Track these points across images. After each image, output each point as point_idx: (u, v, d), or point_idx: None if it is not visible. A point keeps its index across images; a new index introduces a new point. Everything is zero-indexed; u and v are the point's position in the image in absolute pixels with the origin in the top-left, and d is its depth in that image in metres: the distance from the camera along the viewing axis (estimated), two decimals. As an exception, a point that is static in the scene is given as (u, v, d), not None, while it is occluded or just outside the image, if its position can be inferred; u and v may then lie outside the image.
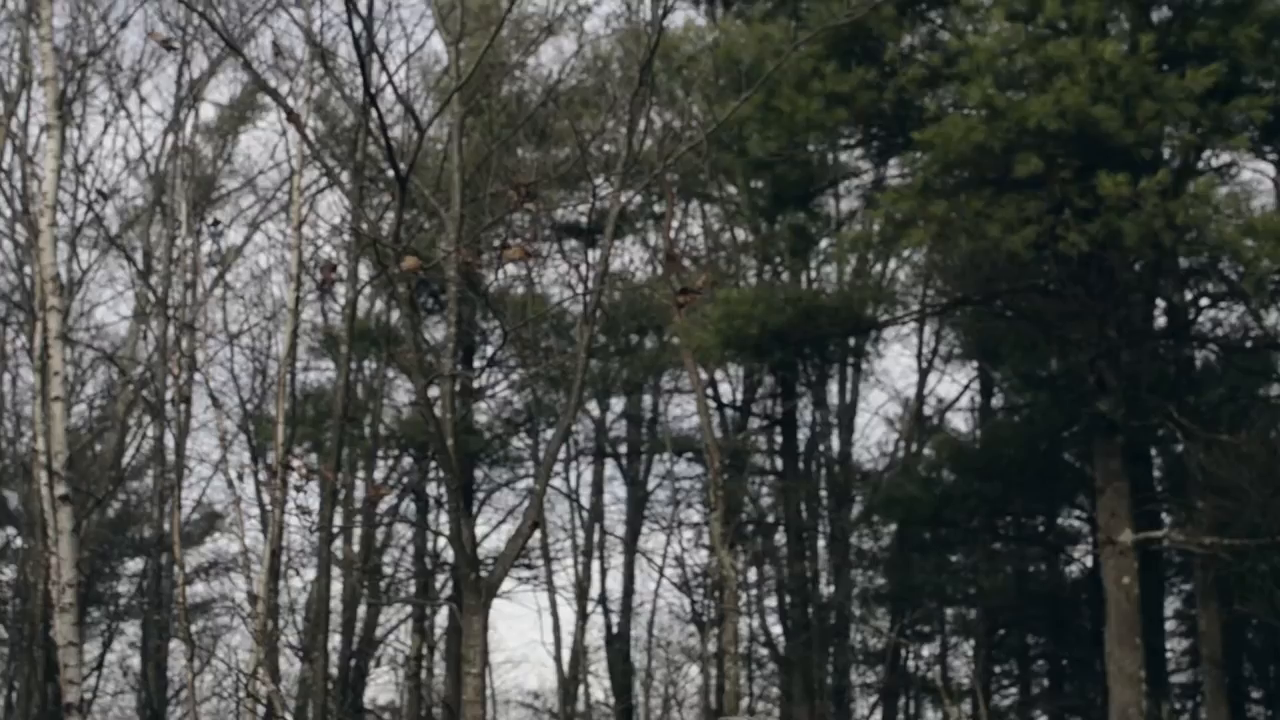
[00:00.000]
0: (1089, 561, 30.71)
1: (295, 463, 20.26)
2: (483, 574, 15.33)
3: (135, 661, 34.06)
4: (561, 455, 31.42)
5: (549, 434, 30.57)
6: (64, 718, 16.17)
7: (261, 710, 21.90)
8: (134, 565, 34.09)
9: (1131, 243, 20.59)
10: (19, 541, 30.67)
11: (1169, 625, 30.94)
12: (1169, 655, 30.85)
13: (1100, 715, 24.58)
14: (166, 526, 28.20)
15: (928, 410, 34.10)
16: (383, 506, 31.70)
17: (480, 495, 32.57)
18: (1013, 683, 33.91)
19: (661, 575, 33.81)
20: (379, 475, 31.80)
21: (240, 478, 28.37)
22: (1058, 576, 32.52)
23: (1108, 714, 22.67)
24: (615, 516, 34.42)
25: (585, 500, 33.96)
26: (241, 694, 21.57)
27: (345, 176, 25.19)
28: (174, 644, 30.91)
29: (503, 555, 16.37)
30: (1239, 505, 22.62)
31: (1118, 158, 20.55)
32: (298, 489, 19.48)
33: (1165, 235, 20.46)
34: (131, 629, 34.15)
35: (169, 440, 28.90)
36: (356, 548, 30.35)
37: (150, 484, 32.01)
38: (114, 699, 36.27)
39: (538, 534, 30.57)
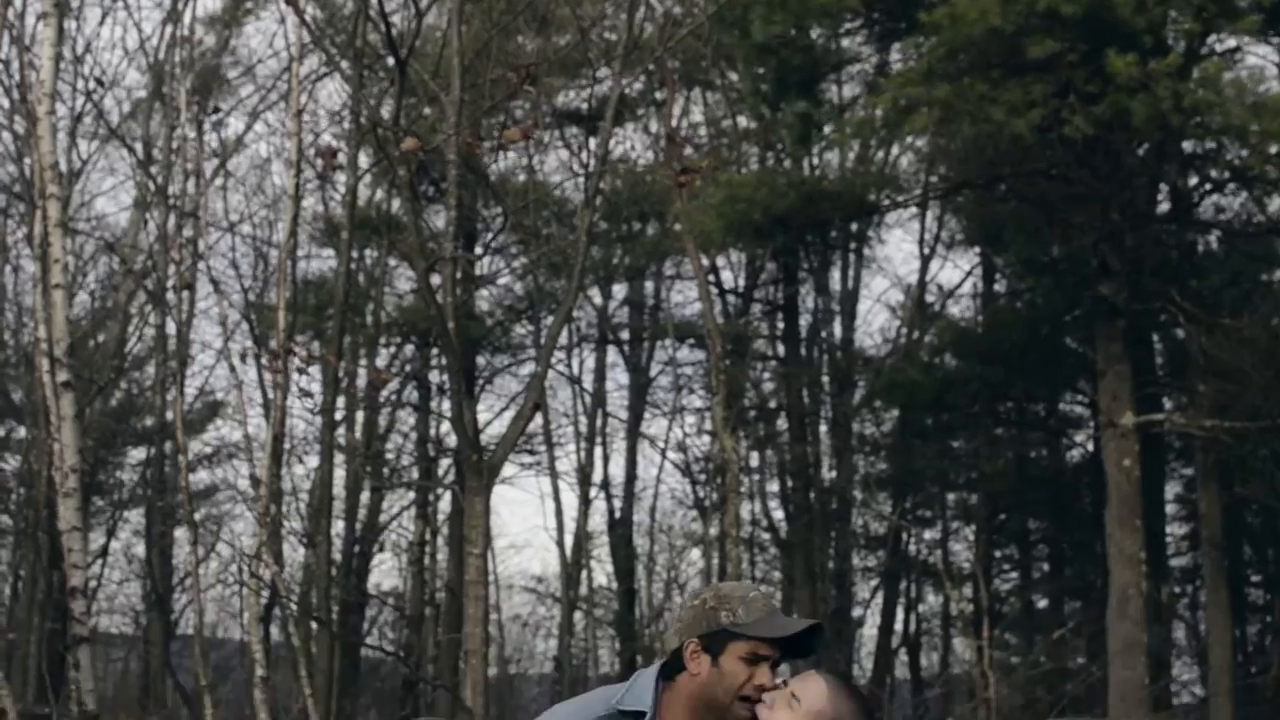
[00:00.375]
0: (1090, 445, 30.83)
1: (297, 348, 20.24)
2: (485, 456, 15.35)
3: (140, 549, 34.33)
4: (564, 341, 31.44)
5: (550, 321, 30.56)
6: (69, 602, 16.24)
7: (265, 594, 22.01)
8: (137, 454, 34.28)
9: (1140, 123, 20.45)
10: (23, 432, 30.74)
11: (1169, 508, 31.15)
12: (1169, 538, 31.08)
13: (1100, 597, 24.73)
14: (169, 414, 28.24)
15: (930, 296, 34.07)
16: (385, 393, 31.75)
17: (482, 381, 32.64)
18: (1013, 566, 34.12)
19: (664, 460, 33.99)
20: (381, 363, 31.83)
21: (243, 359, 28.39)
22: (1059, 460, 32.64)
23: (1108, 596, 22.83)
24: (618, 402, 34.56)
25: (588, 386, 34.09)
26: (245, 578, 21.65)
27: (345, 64, 24.99)
28: (178, 531, 31.12)
29: (505, 436, 16.40)
30: (1240, 389, 22.68)
31: (1122, 41, 20.39)
32: (300, 372, 19.43)
33: (1174, 117, 20.33)
34: (135, 517, 34.39)
35: (171, 328, 28.90)
36: (359, 434, 30.45)
37: (153, 374, 32.06)
38: (119, 587, 36.60)
39: (540, 419, 30.65)
